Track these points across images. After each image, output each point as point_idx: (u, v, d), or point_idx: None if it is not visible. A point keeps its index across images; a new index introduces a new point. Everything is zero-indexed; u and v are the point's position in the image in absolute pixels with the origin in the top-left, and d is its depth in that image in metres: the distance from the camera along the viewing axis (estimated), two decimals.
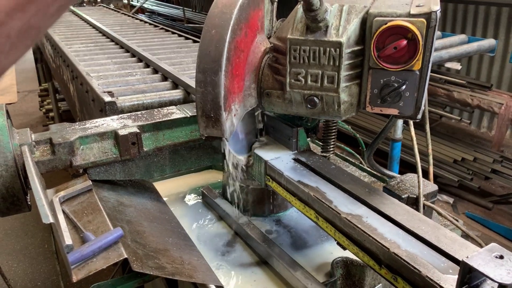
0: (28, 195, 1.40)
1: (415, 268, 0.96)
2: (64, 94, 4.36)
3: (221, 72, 1.21)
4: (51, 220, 0.90)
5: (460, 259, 0.88)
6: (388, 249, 1.03)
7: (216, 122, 1.26)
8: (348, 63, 1.22)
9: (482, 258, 0.85)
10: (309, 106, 1.30)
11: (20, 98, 8.66)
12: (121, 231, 1.11)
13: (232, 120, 1.32)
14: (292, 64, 1.28)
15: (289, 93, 1.31)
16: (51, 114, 6.17)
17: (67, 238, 1.07)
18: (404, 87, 1.17)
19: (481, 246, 1.09)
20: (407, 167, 4.96)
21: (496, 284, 0.84)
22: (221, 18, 1.23)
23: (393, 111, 1.23)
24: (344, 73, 1.22)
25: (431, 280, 0.93)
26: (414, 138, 1.53)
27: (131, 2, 11.52)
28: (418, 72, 1.16)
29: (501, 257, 0.85)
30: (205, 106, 1.25)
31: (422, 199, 1.40)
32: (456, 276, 0.90)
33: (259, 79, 1.39)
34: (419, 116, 1.23)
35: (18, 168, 1.31)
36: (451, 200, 5.10)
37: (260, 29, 1.41)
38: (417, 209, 1.41)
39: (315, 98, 1.27)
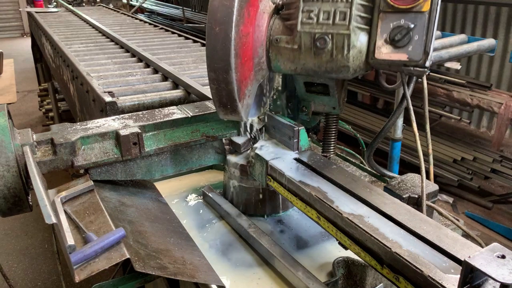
0: (30, 195, 1.40)
1: (417, 268, 0.97)
2: (64, 94, 4.36)
3: (232, 71, 1.26)
4: (53, 220, 0.90)
5: (462, 259, 0.88)
6: (390, 249, 1.03)
7: (233, 111, 1.37)
8: (359, 2, 1.25)
9: (484, 258, 0.85)
10: (318, 44, 1.30)
11: (20, 98, 8.66)
12: (123, 231, 1.11)
13: (248, 102, 1.41)
14: (305, 1, 1.31)
15: (299, 35, 1.32)
16: (50, 114, 6.16)
17: (70, 238, 1.07)
18: (413, 26, 1.20)
19: (482, 246, 1.10)
20: (406, 166, 4.97)
21: (498, 284, 0.84)
22: (223, 13, 1.24)
23: (402, 56, 1.24)
24: (355, 12, 1.25)
25: (433, 279, 0.93)
26: (417, 136, 1.53)
27: (130, 2, 11.51)
28: (427, 14, 1.19)
29: (503, 256, 0.86)
30: (221, 99, 1.35)
31: (424, 200, 1.41)
32: (458, 276, 0.91)
33: (267, 39, 1.42)
34: (428, 64, 1.24)
35: (20, 169, 1.31)
36: (450, 199, 5.10)
37: None
38: (418, 209, 1.41)
39: (326, 37, 1.28)
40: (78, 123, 1.59)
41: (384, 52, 1.26)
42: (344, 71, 1.32)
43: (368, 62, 1.30)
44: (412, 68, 1.26)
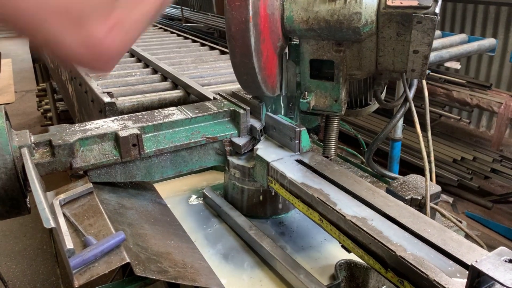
0: (28, 197, 1.38)
1: (422, 271, 0.95)
2: (62, 94, 4.34)
3: (265, 92, 1.59)
4: (52, 224, 0.88)
5: (468, 263, 0.87)
6: (394, 252, 1.02)
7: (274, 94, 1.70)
8: None
9: (491, 262, 0.84)
10: None
11: (18, 98, 8.63)
12: (123, 235, 1.09)
13: (281, 84, 1.70)
14: None
15: None
16: (49, 114, 6.13)
17: (68, 242, 1.05)
18: None
19: (483, 248, 1.08)
20: (406, 166, 4.96)
21: None
22: (247, 70, 1.46)
23: (413, 2, 1.29)
24: None
25: (439, 284, 0.92)
26: (421, 138, 1.51)
27: None
28: None
29: (510, 261, 0.84)
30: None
31: (429, 202, 1.39)
32: (464, 280, 0.89)
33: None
34: (437, 10, 1.27)
35: (18, 171, 1.29)
36: (450, 199, 5.10)
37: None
38: (421, 211, 1.40)
39: None
40: (76, 124, 1.57)
41: None
42: (356, 20, 1.34)
43: (380, 12, 1.34)
44: (422, 15, 1.28)
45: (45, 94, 6.53)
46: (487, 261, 0.84)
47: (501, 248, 0.88)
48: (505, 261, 0.84)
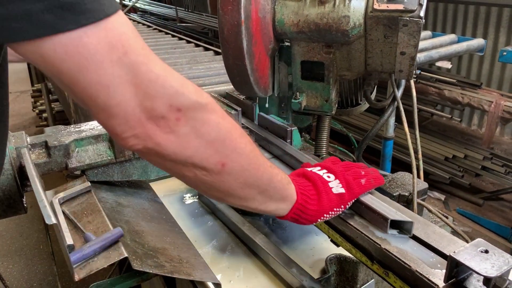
0: (24, 197, 1.41)
1: (405, 263, 1.00)
2: (58, 95, 4.36)
3: (257, 93, 1.66)
4: (54, 221, 0.93)
5: (448, 254, 0.92)
6: (380, 245, 1.07)
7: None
8: None
9: (468, 252, 0.89)
10: None
11: (13, 99, 8.61)
12: (121, 231, 1.14)
13: (273, 84, 1.76)
14: None
15: None
16: (44, 115, 6.14)
17: (68, 238, 1.09)
18: None
19: (467, 242, 1.14)
20: (399, 164, 5.03)
21: (482, 277, 0.88)
22: (240, 72, 1.53)
23: (399, 6, 1.36)
24: None
25: (421, 274, 0.97)
26: (408, 136, 1.57)
27: (123, 2, 11.46)
28: None
29: (486, 251, 0.90)
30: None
31: (416, 199, 1.44)
32: (444, 271, 0.95)
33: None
34: (422, 14, 1.34)
35: (14, 171, 1.33)
36: (442, 197, 5.17)
37: None
38: (408, 207, 1.45)
39: None
40: (72, 126, 1.61)
41: (382, 3, 1.39)
42: (344, 23, 1.41)
43: (368, 15, 1.41)
44: (408, 18, 1.35)
45: (40, 95, 6.53)
46: (465, 252, 0.89)
47: (478, 239, 0.93)
48: (481, 251, 0.90)
